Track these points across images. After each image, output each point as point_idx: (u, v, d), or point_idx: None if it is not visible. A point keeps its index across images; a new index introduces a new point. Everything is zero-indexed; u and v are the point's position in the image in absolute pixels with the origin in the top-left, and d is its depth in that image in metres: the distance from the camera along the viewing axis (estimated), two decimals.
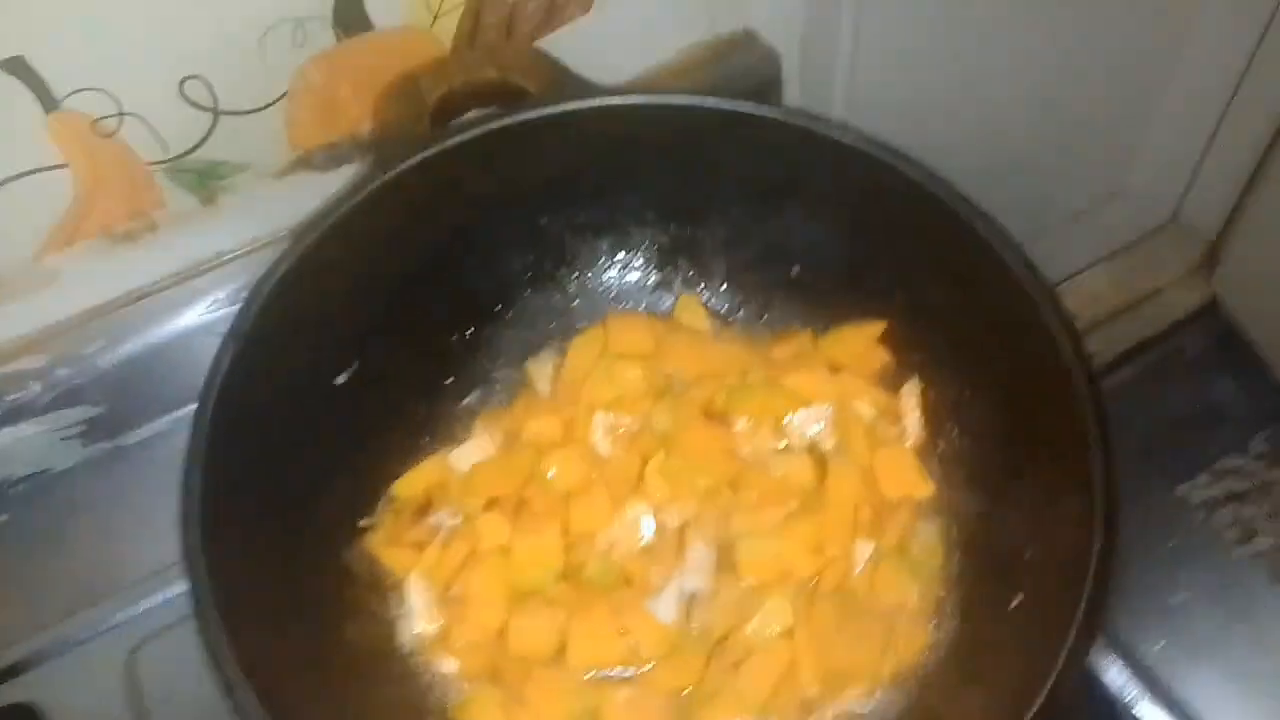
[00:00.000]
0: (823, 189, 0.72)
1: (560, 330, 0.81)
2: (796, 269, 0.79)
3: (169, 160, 0.80)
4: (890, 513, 0.69)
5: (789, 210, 0.76)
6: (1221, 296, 1.59)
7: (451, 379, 0.79)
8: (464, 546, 0.67)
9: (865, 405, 0.74)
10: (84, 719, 0.72)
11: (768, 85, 1.01)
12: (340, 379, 0.70)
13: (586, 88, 0.74)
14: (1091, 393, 0.59)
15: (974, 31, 1.14)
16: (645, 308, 0.83)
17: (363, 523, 0.71)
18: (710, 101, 0.71)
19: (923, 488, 0.71)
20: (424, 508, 0.72)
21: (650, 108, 0.72)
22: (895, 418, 0.74)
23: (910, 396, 0.73)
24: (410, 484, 0.73)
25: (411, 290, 0.74)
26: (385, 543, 0.70)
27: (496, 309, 0.81)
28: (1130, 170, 1.55)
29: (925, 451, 0.73)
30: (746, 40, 1.02)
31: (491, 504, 0.69)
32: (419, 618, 0.65)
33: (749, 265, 0.82)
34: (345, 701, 0.62)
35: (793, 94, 1.06)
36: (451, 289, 0.77)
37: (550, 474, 0.69)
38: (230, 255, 0.87)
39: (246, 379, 0.62)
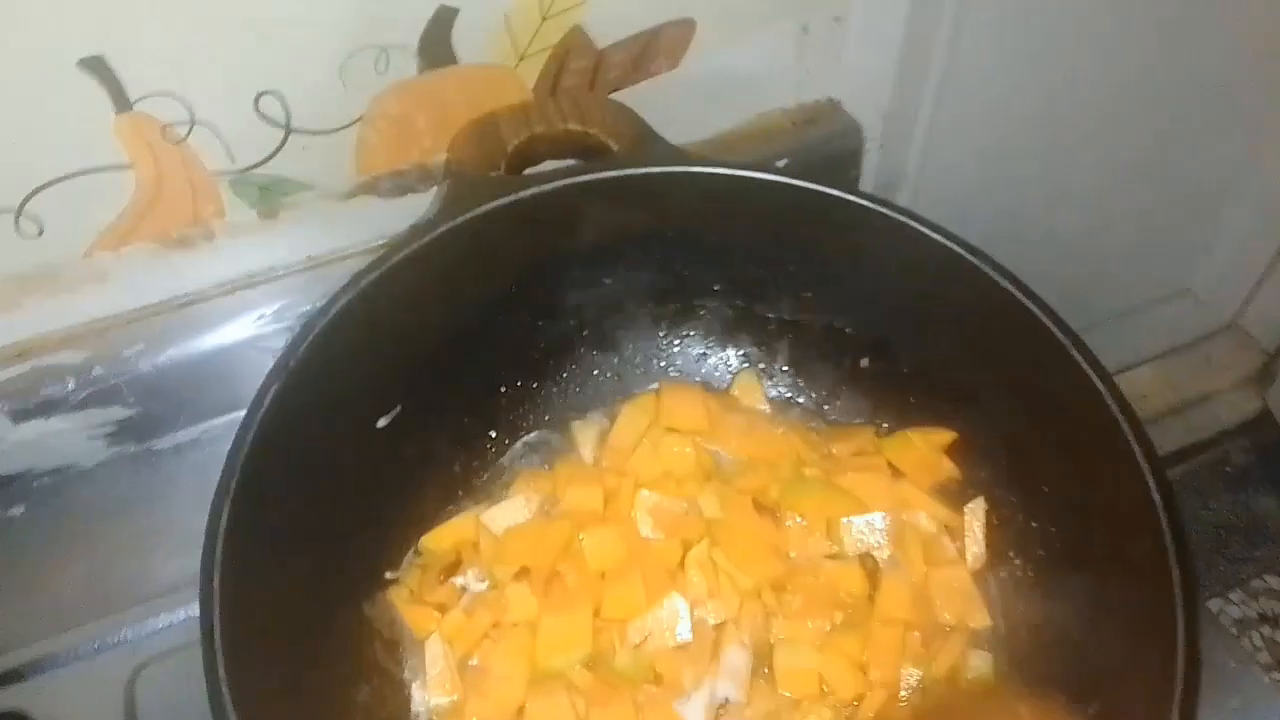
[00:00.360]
0: (901, 281, 0.70)
1: (611, 394, 0.79)
2: (866, 361, 0.76)
3: (235, 172, 0.79)
4: (942, 639, 0.66)
5: (864, 299, 0.73)
6: (1274, 409, 1.54)
7: (494, 433, 0.77)
8: (489, 615, 0.64)
9: (925, 518, 0.70)
10: None
11: (848, 157, 0.99)
12: (382, 422, 0.68)
13: (669, 151, 0.71)
14: (1176, 528, 0.56)
15: (1054, 125, 1.12)
16: (701, 381, 0.81)
17: (389, 575, 0.69)
18: (798, 182, 0.69)
19: (979, 617, 0.67)
20: (452, 566, 0.69)
21: (734, 180, 0.70)
22: (955, 535, 0.70)
23: (974, 515, 0.70)
24: (439, 539, 0.70)
25: (464, 337, 0.72)
26: (408, 599, 0.67)
27: (548, 365, 0.79)
28: (1194, 271, 1.52)
29: (984, 576, 0.69)
30: (830, 110, 1.01)
31: (522, 574, 0.66)
32: (435, 687, 0.62)
33: (816, 351, 0.79)
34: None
35: (869, 167, 1.05)
36: (505, 340, 0.75)
37: (587, 549, 0.66)
38: (284, 272, 0.86)
39: (289, 413, 0.60)
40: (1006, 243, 0.70)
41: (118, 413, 0.83)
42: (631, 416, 0.74)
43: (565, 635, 0.63)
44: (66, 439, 0.83)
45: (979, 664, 0.65)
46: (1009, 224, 0.86)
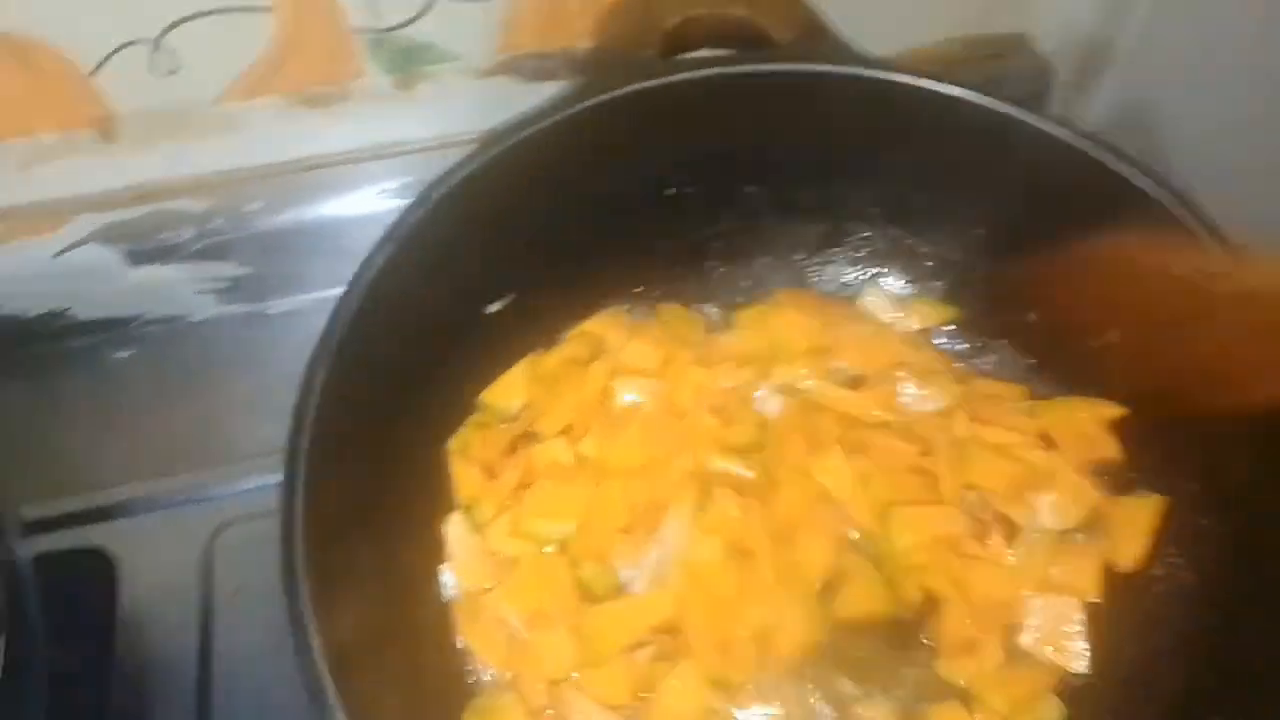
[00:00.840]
0: (1094, 231, 0.61)
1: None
2: (1033, 315, 0.68)
3: (377, 30, 0.75)
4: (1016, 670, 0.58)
5: (1044, 246, 0.65)
6: None
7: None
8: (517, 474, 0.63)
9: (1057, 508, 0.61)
10: (154, 584, 0.68)
11: (1033, 99, 0.89)
12: (493, 308, 0.64)
13: (842, 50, 0.64)
14: None
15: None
16: None
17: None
18: (988, 100, 0.60)
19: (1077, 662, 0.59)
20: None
21: (914, 92, 0.62)
22: (1100, 528, 0.61)
23: (1142, 509, 0.60)
24: (497, 393, 0.67)
25: (587, 230, 0.66)
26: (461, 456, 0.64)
27: (672, 273, 0.73)
28: None
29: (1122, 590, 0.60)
30: (1019, 45, 0.91)
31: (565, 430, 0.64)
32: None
33: (977, 297, 0.71)
34: (388, 617, 0.56)
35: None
36: (630, 239, 0.69)
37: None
38: (414, 147, 0.82)
39: (398, 279, 0.55)
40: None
41: (230, 269, 0.82)
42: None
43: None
44: (179, 289, 0.82)
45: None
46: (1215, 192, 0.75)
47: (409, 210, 0.57)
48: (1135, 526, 0.60)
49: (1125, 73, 0.92)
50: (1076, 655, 0.59)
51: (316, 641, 0.44)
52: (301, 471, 0.48)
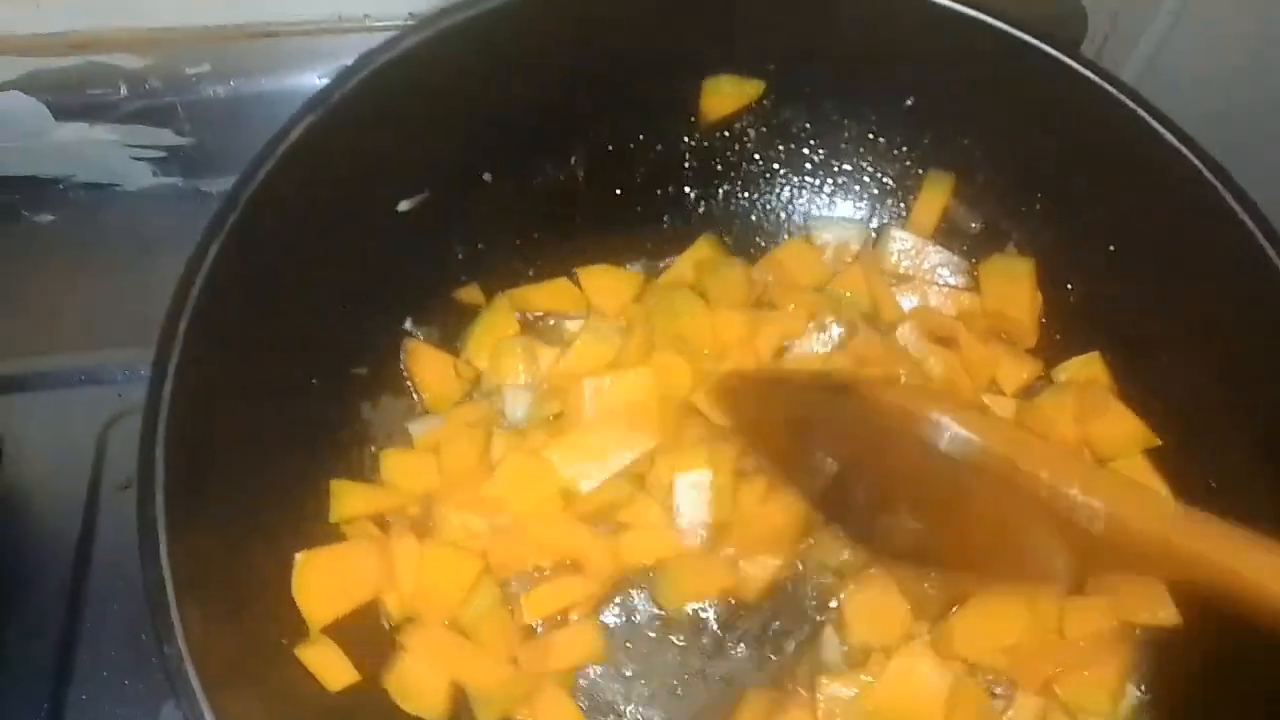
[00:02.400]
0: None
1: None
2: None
3: None
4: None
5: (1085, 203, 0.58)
6: None
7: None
8: None
9: None
10: (40, 465, 0.63)
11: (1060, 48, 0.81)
12: (404, 205, 0.57)
13: None
14: None
15: None
16: None
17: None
18: (1019, 32, 0.54)
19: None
20: None
21: (939, 11, 0.56)
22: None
23: None
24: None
25: (538, 125, 0.59)
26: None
27: (636, 195, 0.66)
28: None
29: None
30: None
31: None
32: None
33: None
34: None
35: None
36: (588, 140, 0.62)
37: None
38: (379, 24, 0.74)
39: (315, 153, 0.49)
40: None
41: (168, 137, 0.75)
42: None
43: None
44: (110, 152, 0.75)
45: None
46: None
47: (338, 79, 0.50)
48: None
49: (1157, 43, 0.85)
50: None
51: (164, 554, 0.38)
52: (175, 356, 0.42)
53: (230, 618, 0.42)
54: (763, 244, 0.67)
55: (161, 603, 0.38)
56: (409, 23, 0.73)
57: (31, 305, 0.72)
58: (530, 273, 0.64)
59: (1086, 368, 0.61)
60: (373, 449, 0.58)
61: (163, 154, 0.76)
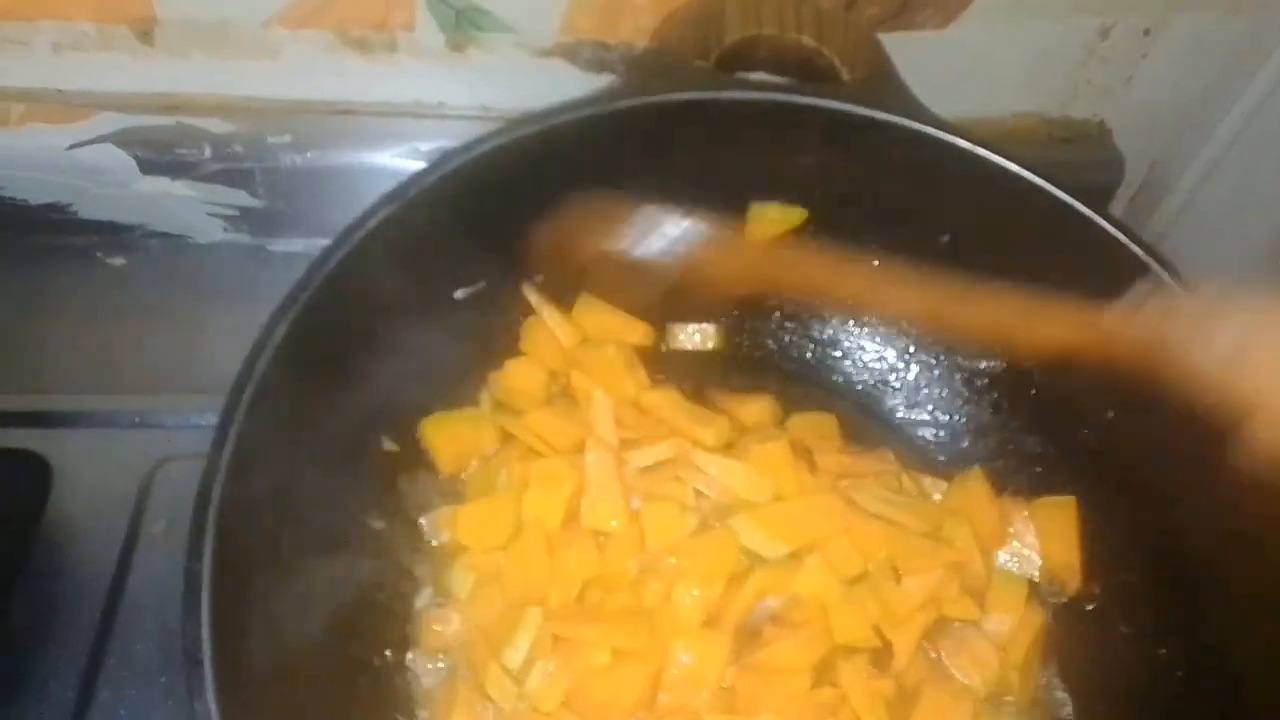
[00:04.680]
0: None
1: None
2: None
3: None
4: None
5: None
6: None
7: None
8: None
9: None
10: (86, 501, 0.65)
11: (1097, 193, 0.85)
12: (460, 294, 0.60)
13: (909, 101, 0.60)
14: None
15: None
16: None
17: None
18: (1053, 189, 0.57)
19: None
20: None
21: (980, 162, 0.58)
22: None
23: None
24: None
25: None
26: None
27: None
28: None
29: None
30: (1096, 134, 0.87)
31: None
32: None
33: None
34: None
35: (1114, 210, 0.91)
36: None
37: None
38: (454, 113, 0.79)
39: (390, 241, 0.53)
40: None
41: (243, 198, 0.79)
42: None
43: None
44: (187, 207, 0.79)
45: None
46: None
47: (416, 177, 0.54)
48: None
49: (1190, 194, 0.89)
50: None
51: (205, 618, 0.40)
52: (237, 422, 0.45)
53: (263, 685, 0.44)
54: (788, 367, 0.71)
55: (197, 659, 0.40)
56: (482, 114, 0.79)
57: (96, 344, 0.76)
58: None
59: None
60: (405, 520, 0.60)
61: (235, 212, 0.80)
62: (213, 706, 0.39)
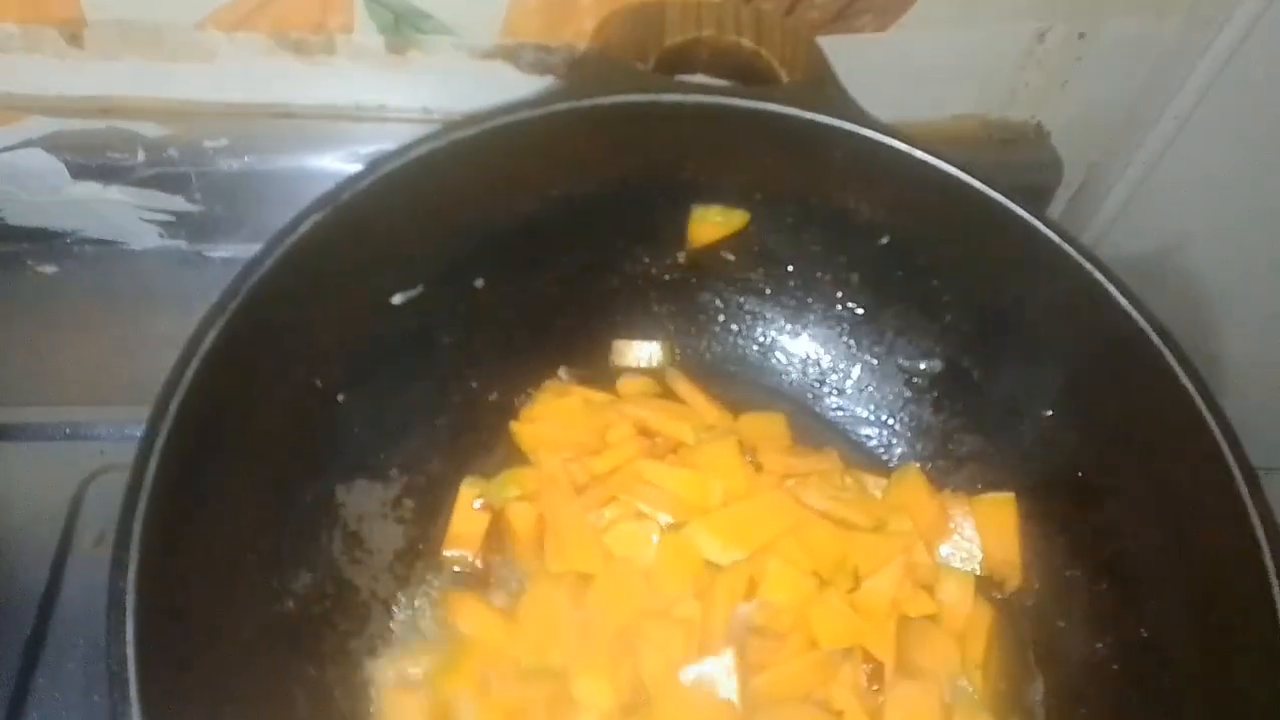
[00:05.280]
0: (1071, 346, 0.59)
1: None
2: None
3: None
4: None
5: (1025, 354, 0.62)
6: None
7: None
8: None
9: None
10: (15, 515, 0.64)
11: (1035, 193, 0.86)
12: (398, 299, 0.59)
13: (848, 103, 0.61)
14: None
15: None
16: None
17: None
18: (990, 191, 0.57)
19: None
20: None
21: (915, 164, 0.58)
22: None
23: None
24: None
25: (532, 237, 0.63)
26: None
27: (612, 303, 0.69)
28: None
29: None
30: (1034, 136, 0.88)
31: None
32: None
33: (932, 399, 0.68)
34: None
35: (1052, 212, 0.92)
36: (576, 259, 0.66)
37: None
38: (394, 116, 0.78)
39: (318, 250, 0.52)
40: None
41: (179, 203, 0.78)
42: None
43: None
44: (120, 213, 0.78)
45: None
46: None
47: (349, 181, 0.53)
48: None
49: (1128, 195, 0.90)
50: None
51: (130, 628, 0.39)
52: (163, 432, 0.44)
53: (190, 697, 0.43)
54: (732, 370, 0.71)
55: (122, 678, 0.39)
56: (423, 116, 0.78)
57: (25, 354, 0.74)
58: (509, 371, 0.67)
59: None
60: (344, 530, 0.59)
61: (171, 218, 0.78)
62: None
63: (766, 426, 0.68)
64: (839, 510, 0.62)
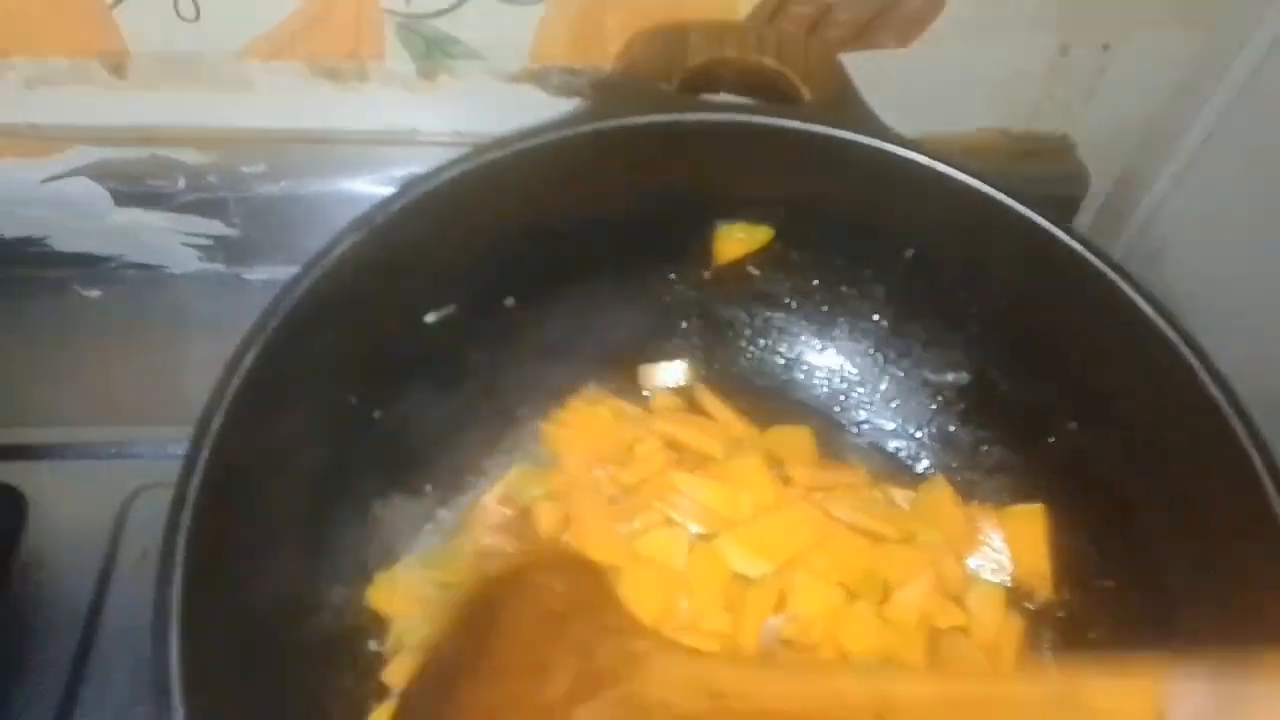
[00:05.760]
0: (1101, 364, 0.59)
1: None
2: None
3: (408, 15, 0.73)
4: None
5: (1052, 369, 0.62)
6: None
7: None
8: None
9: None
10: (62, 533, 0.65)
11: (1061, 205, 0.86)
12: (431, 317, 0.61)
13: (870, 119, 0.61)
14: None
15: None
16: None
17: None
18: (1014, 203, 0.58)
19: None
20: None
21: (940, 178, 0.59)
22: None
23: None
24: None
25: (558, 255, 0.64)
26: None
27: (638, 324, 0.70)
28: None
29: None
30: (1059, 148, 0.88)
31: None
32: None
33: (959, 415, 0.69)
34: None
35: (1079, 224, 0.92)
36: (602, 276, 0.67)
37: None
38: (426, 140, 0.80)
39: (358, 270, 0.53)
40: None
41: (218, 228, 0.80)
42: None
43: None
44: (162, 238, 0.80)
45: None
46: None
47: (383, 203, 0.54)
48: None
49: (1156, 207, 0.90)
50: None
51: (174, 641, 0.41)
52: (206, 449, 0.45)
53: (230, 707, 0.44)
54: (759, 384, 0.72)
55: (165, 684, 0.40)
56: (454, 139, 0.80)
57: (71, 376, 0.76)
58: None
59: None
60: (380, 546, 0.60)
61: (210, 242, 0.81)
62: None
63: (794, 440, 0.69)
64: (867, 523, 0.63)
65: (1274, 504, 0.50)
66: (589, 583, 0.55)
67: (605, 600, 0.55)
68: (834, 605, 0.59)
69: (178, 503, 0.44)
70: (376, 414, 0.58)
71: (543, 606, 0.52)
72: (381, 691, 0.56)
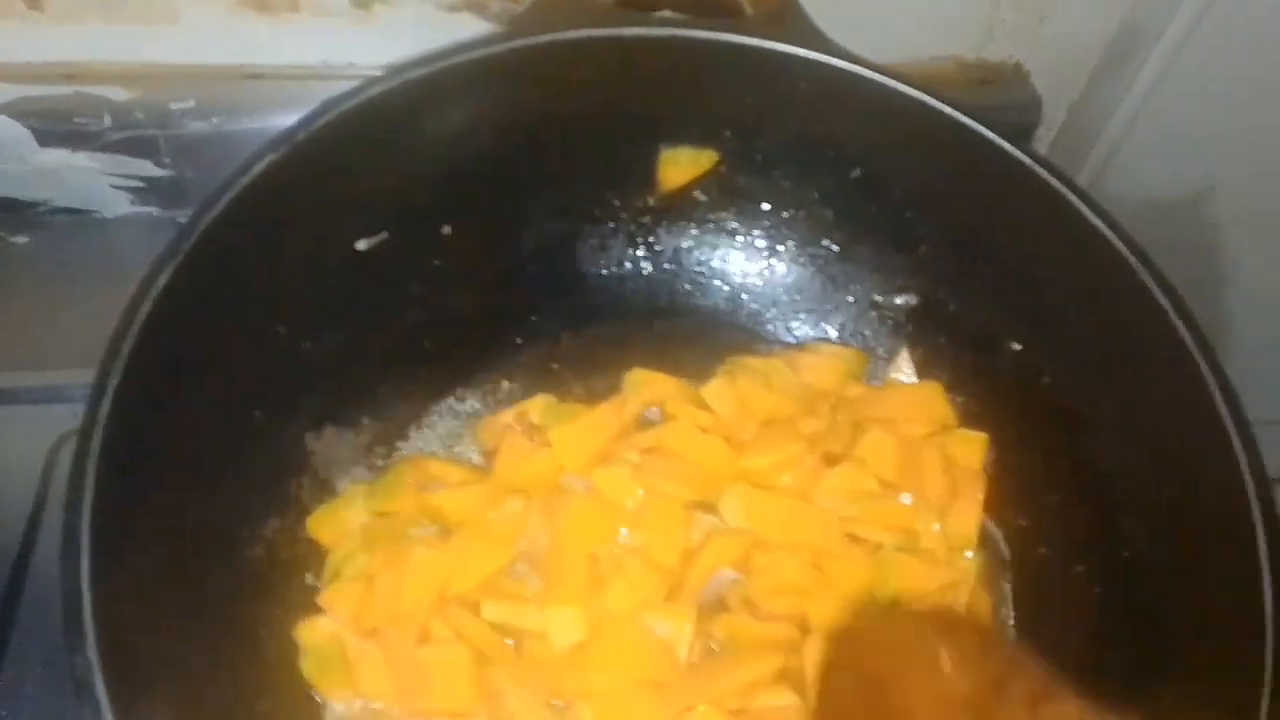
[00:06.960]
0: (1052, 279, 0.58)
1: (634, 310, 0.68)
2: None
3: None
4: None
5: (1003, 284, 0.62)
6: None
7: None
8: None
9: None
10: None
11: (1015, 134, 0.84)
12: (362, 245, 0.58)
13: (813, 33, 0.60)
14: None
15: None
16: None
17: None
18: (960, 115, 0.56)
19: None
20: None
21: (886, 92, 0.58)
22: None
23: None
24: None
25: (490, 179, 0.62)
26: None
27: (570, 249, 0.68)
28: None
29: None
30: (1013, 75, 0.86)
31: None
32: None
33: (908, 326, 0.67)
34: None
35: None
36: (535, 198, 0.65)
37: None
38: (361, 72, 0.77)
39: (274, 191, 0.51)
40: None
41: (148, 168, 0.77)
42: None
43: None
44: (90, 180, 0.77)
45: None
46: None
47: (307, 119, 0.52)
48: None
49: (1115, 140, 0.89)
50: None
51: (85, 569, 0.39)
52: (116, 377, 0.43)
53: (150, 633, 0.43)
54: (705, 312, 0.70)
55: (76, 611, 0.38)
56: (390, 75, 0.77)
57: (1, 324, 0.73)
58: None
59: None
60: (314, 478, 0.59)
61: (141, 184, 0.78)
62: (93, 656, 0.37)
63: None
64: (869, 532, 0.60)
65: (1220, 407, 0.49)
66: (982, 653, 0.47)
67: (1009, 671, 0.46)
68: (804, 585, 0.57)
69: (86, 428, 0.42)
70: (306, 344, 0.56)
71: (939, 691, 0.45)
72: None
